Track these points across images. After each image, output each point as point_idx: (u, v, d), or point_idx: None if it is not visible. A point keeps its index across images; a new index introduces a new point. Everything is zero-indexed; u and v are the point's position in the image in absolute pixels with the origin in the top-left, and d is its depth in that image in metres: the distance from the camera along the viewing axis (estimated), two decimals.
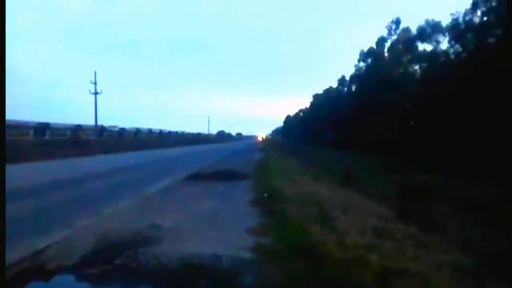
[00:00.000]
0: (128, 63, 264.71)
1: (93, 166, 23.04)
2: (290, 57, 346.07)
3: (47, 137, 40.21)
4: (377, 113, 48.05)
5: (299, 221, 7.72)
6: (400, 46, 50.83)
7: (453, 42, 38.65)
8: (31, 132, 39.94)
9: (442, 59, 40.09)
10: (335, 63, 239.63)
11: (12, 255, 5.77)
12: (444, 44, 42.29)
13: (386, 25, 54.51)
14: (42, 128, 41.48)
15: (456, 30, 36.79)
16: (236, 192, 12.82)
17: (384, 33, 55.83)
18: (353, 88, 72.09)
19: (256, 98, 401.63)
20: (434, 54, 42.74)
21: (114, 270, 5.26)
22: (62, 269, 5.30)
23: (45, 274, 5.14)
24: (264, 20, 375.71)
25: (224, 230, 7.42)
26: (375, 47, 58.71)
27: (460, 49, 36.60)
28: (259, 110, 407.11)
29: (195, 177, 16.77)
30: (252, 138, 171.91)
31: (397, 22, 53.09)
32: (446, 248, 6.98)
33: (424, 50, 45.90)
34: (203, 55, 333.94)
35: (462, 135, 29.43)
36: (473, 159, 25.63)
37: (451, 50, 38.93)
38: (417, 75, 47.23)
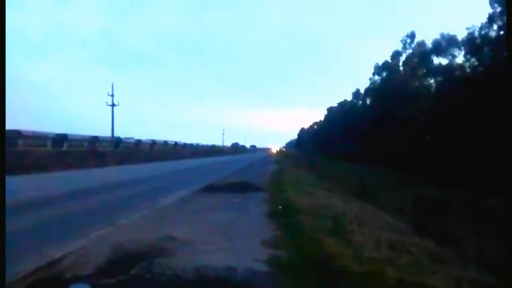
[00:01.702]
0: (144, 75, 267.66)
1: (109, 177, 23.24)
2: (304, 70, 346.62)
3: (65, 148, 40.68)
4: (392, 127, 47.79)
5: (315, 233, 7.69)
6: (415, 60, 50.70)
7: (469, 56, 38.46)
8: (49, 143, 40.49)
9: (458, 73, 39.86)
10: (349, 77, 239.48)
11: (28, 265, 5.85)
12: (459, 58, 42.10)
13: (401, 39, 54.49)
14: (60, 139, 42.04)
15: (472, 44, 36.61)
16: (251, 204, 12.80)
17: (399, 47, 55.83)
18: (368, 101, 71.97)
19: (270, 111, 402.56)
20: (450, 67, 42.54)
21: (129, 280, 5.28)
22: (77, 279, 5.33)
23: (61, 284, 5.17)
24: (279, 34, 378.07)
25: (238, 242, 7.41)
26: (390, 60, 58.64)
27: (476, 63, 36.36)
28: (273, 123, 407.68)
29: (210, 189, 16.80)
30: (266, 150, 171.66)
31: (412, 36, 53.05)
32: (462, 262, 6.89)
33: (440, 63, 45.73)
34: (219, 68, 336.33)
35: (477, 149, 29.11)
36: (489, 172, 25.31)
37: (467, 64, 38.73)
38: (432, 89, 46.98)
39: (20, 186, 17.07)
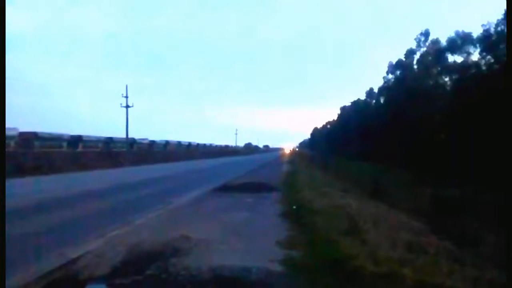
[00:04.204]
0: (158, 77, 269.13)
1: (124, 177, 23.37)
2: (317, 70, 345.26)
3: (80, 149, 41.16)
4: (406, 126, 47.30)
5: (329, 233, 7.64)
6: (430, 58, 50.09)
7: (484, 54, 37.91)
8: (65, 144, 41.02)
9: (473, 70, 39.32)
10: (363, 76, 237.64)
11: (45, 265, 5.90)
12: (475, 55, 41.53)
13: (415, 37, 53.90)
14: (75, 140, 42.62)
15: (488, 41, 36.08)
16: (265, 204, 12.78)
17: (413, 45, 55.15)
18: (382, 100, 71.33)
19: (283, 111, 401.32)
20: (465, 65, 41.94)
21: (145, 280, 5.29)
22: (94, 279, 5.35)
23: (78, 284, 5.20)
24: (293, 34, 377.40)
25: (253, 242, 7.39)
26: (404, 59, 58.07)
27: (492, 60, 35.83)
28: (287, 122, 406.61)
29: (224, 189, 16.83)
30: (279, 150, 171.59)
31: (426, 34, 52.40)
32: (480, 263, 6.79)
33: (454, 61, 45.12)
34: (231, 68, 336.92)
35: (494, 148, 28.67)
36: (507, 172, 24.92)
37: (483, 62, 38.17)
38: (447, 87, 46.42)
39: (36, 187, 17.29)
